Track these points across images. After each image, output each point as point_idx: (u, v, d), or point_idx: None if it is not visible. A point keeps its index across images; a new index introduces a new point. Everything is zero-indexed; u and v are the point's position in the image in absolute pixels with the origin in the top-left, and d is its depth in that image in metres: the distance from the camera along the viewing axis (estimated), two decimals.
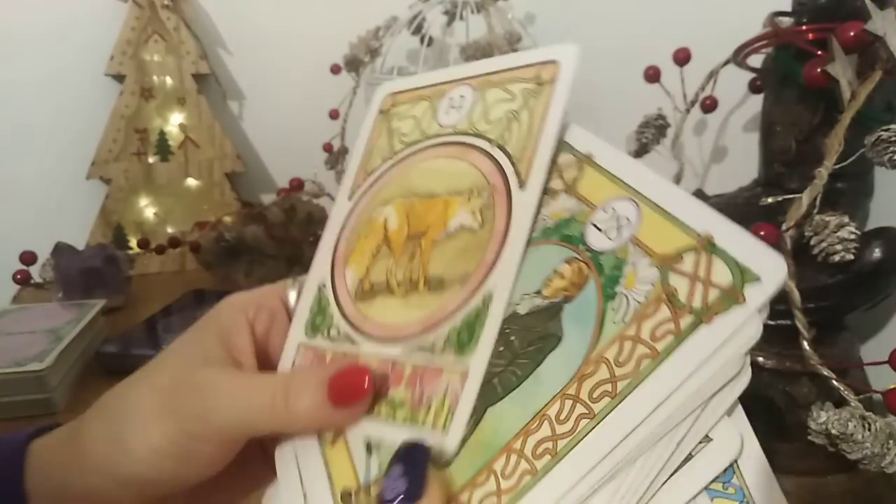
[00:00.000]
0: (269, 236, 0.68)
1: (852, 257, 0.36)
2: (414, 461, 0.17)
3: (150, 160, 0.78)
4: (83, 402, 0.47)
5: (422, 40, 0.74)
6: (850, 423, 0.30)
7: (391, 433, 0.19)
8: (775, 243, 0.36)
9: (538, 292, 0.19)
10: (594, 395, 0.16)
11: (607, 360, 0.16)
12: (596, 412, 0.15)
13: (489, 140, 0.22)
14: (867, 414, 0.31)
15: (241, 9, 0.82)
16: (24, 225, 0.79)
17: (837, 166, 0.35)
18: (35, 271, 0.66)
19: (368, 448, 0.19)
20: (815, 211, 0.36)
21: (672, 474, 0.15)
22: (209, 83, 0.81)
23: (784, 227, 0.36)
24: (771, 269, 0.15)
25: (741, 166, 0.51)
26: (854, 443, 0.30)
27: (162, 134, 0.79)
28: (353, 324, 0.22)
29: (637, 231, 0.17)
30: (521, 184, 0.20)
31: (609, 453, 0.15)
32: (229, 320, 0.23)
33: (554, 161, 0.21)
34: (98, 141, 0.76)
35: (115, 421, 0.21)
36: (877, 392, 0.32)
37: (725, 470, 0.16)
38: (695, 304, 0.15)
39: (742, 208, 0.44)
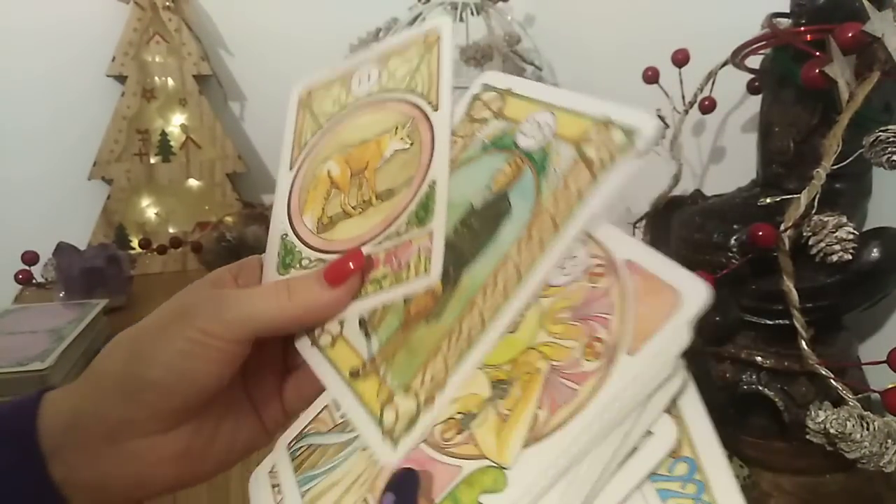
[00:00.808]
0: None
1: (850, 257, 0.36)
2: (405, 489, 0.18)
3: (152, 161, 0.79)
4: None
5: None
6: (848, 423, 0.30)
7: (383, 298, 0.24)
8: (773, 244, 0.36)
9: (488, 188, 0.24)
10: (543, 235, 0.22)
11: (548, 209, 0.22)
12: (545, 243, 0.21)
13: (400, 90, 0.28)
14: (865, 413, 0.31)
15: (243, 10, 0.82)
16: (26, 225, 0.80)
17: (835, 167, 0.35)
18: (37, 271, 0.66)
19: (365, 330, 0.24)
20: (814, 211, 0.36)
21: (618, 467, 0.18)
22: (210, 84, 0.82)
23: (782, 227, 0.36)
24: (648, 124, 0.21)
25: (739, 167, 0.51)
26: (852, 442, 0.30)
27: (163, 135, 0.79)
28: (321, 249, 0.26)
29: (555, 130, 0.23)
30: (435, 107, 0.26)
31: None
32: (217, 278, 0.26)
33: (479, 98, 0.26)
34: (100, 142, 0.76)
35: (133, 340, 0.23)
36: (875, 391, 0.33)
37: (678, 466, 0.18)
38: (603, 158, 0.21)
39: (740, 209, 0.44)
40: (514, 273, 0.21)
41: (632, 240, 0.21)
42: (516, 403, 0.19)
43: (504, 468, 0.18)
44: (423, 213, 0.25)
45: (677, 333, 0.18)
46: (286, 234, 0.28)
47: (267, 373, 0.27)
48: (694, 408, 0.18)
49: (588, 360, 0.18)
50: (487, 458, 0.19)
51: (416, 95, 0.27)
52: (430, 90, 0.27)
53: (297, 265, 0.27)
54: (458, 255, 0.23)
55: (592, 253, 0.21)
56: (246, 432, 0.25)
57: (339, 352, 0.24)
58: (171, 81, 0.78)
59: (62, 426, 0.22)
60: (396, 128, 0.27)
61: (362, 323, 0.24)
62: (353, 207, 0.27)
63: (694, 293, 0.18)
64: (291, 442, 0.24)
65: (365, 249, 0.25)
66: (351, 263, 0.24)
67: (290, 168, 0.30)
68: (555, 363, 0.19)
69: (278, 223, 0.29)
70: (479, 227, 0.23)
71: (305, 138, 0.30)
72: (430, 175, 0.25)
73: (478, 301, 0.22)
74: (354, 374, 0.23)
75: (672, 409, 0.18)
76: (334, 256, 0.25)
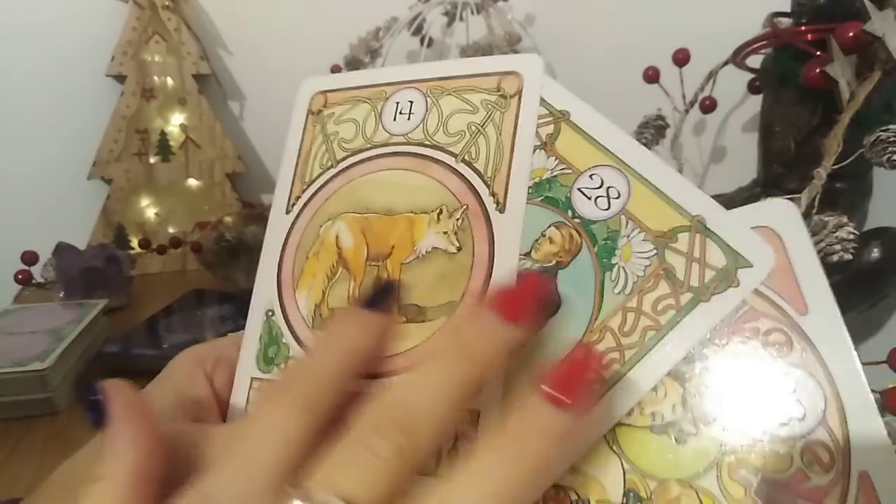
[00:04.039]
0: None
1: (851, 257, 0.36)
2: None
3: (152, 160, 0.79)
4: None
5: (422, 41, 0.74)
6: None
7: None
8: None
9: (528, 254, 0.18)
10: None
11: (612, 329, 0.17)
12: (606, 378, 0.16)
13: (453, 154, 0.20)
14: None
15: (242, 9, 0.82)
16: (26, 225, 0.79)
17: (836, 166, 0.35)
18: (36, 271, 0.66)
19: None
20: (814, 211, 0.36)
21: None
22: (210, 84, 0.82)
23: None
24: (762, 257, 0.17)
25: (740, 167, 0.51)
26: None
27: (163, 134, 0.79)
28: None
29: (628, 204, 0.18)
30: (500, 206, 0.19)
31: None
32: (185, 378, 0.22)
33: None
34: (99, 141, 0.76)
35: (68, 491, 0.19)
36: (875, 392, 0.32)
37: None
38: (692, 282, 0.17)
39: None
40: None
41: (889, 450, 0.16)
42: None
43: None
44: None
45: None
46: (272, 312, 0.21)
47: None
48: None
49: None
50: None
51: (474, 172, 0.20)
52: (495, 174, 0.19)
53: (283, 364, 0.21)
54: None
55: (828, 421, 0.16)
56: None
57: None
58: (170, 81, 0.78)
59: None
60: (440, 212, 0.20)
61: None
62: None
63: None
64: None
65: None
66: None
67: (287, 210, 0.22)
68: None
69: (265, 288, 0.22)
70: None
71: (312, 172, 0.23)
72: None
73: None
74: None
75: None
76: None
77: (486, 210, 0.19)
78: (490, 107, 0.20)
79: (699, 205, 0.17)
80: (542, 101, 0.20)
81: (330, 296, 0.21)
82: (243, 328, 0.23)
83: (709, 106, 0.52)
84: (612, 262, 0.17)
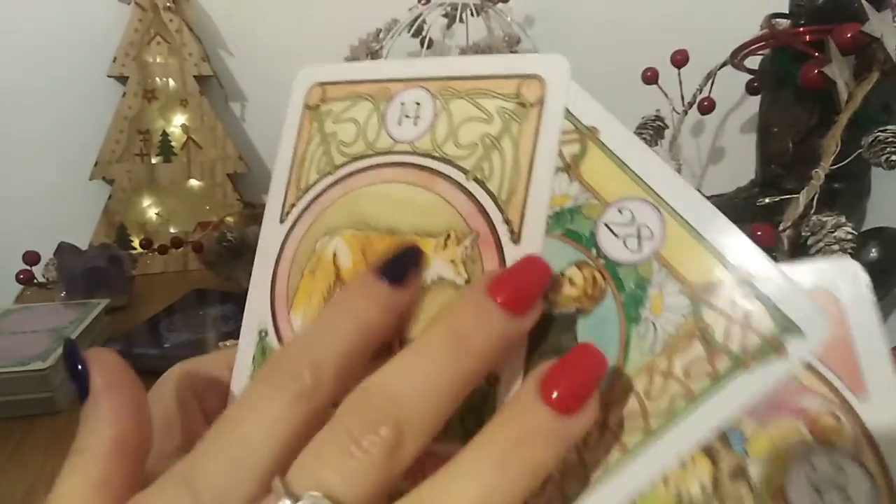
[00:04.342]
0: None
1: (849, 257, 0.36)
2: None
3: (153, 161, 0.79)
4: None
5: (422, 43, 0.75)
6: None
7: None
8: (772, 243, 0.36)
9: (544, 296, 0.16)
10: (625, 428, 0.15)
11: (637, 392, 0.15)
12: (629, 447, 0.15)
13: (463, 170, 0.18)
14: None
15: (243, 11, 0.83)
16: (28, 225, 0.80)
17: (834, 167, 0.35)
18: (38, 271, 0.66)
19: None
20: (812, 211, 0.36)
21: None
22: (211, 85, 0.82)
23: (781, 227, 0.36)
24: (816, 326, 0.14)
25: (738, 167, 0.51)
26: None
27: (165, 135, 0.79)
28: None
29: (661, 246, 0.15)
30: (515, 236, 0.17)
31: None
32: (174, 401, 0.20)
33: None
34: (101, 142, 0.77)
35: None
36: None
37: None
38: (732, 348, 0.14)
39: (739, 209, 0.44)
40: (579, 472, 0.15)
41: None
42: None
43: None
44: (471, 423, 0.16)
45: None
46: (265, 333, 0.20)
47: None
48: None
49: None
50: None
51: (486, 193, 0.17)
52: (510, 197, 0.17)
53: None
54: None
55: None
56: None
57: None
58: (172, 82, 0.79)
59: None
60: (448, 237, 0.18)
61: None
62: None
63: None
64: None
65: None
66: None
67: (282, 219, 0.20)
68: None
69: (258, 305, 0.20)
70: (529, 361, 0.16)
71: (309, 177, 0.20)
72: None
73: None
74: None
75: None
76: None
77: (499, 239, 0.17)
78: (507, 116, 0.18)
79: (745, 256, 0.15)
80: (568, 114, 0.17)
81: None
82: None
83: (707, 107, 0.52)
84: (641, 315, 0.15)
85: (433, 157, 0.19)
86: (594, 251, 0.16)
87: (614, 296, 0.15)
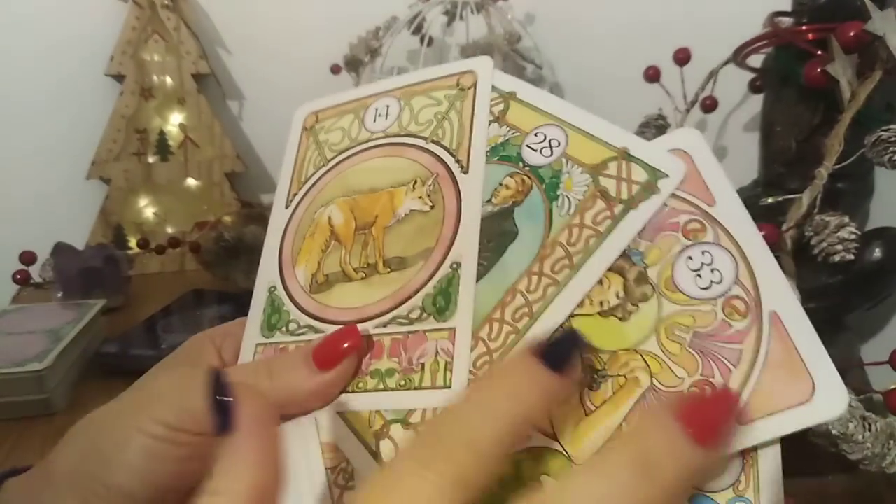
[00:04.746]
0: None
1: (852, 257, 0.36)
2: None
3: (150, 160, 0.78)
4: (82, 403, 0.47)
5: (422, 40, 0.74)
6: (850, 424, 0.30)
7: (385, 402, 0.20)
8: (775, 243, 0.36)
9: (489, 201, 0.22)
10: (555, 269, 0.20)
11: (561, 243, 0.20)
12: (559, 280, 0.20)
13: (423, 138, 0.25)
14: (867, 414, 0.31)
15: (241, 9, 0.82)
16: (24, 225, 0.79)
17: (837, 166, 0.35)
18: (35, 271, 0.66)
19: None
20: (816, 211, 0.36)
21: None
22: (209, 83, 0.81)
23: (784, 227, 0.36)
24: (675, 168, 0.20)
25: (741, 166, 0.50)
26: (854, 443, 0.30)
27: (162, 134, 0.79)
28: (313, 314, 0.23)
29: (566, 148, 0.22)
30: (464, 169, 0.23)
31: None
32: (196, 350, 0.23)
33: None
34: (98, 141, 0.76)
35: (92, 432, 0.20)
36: (877, 392, 0.32)
37: None
38: (622, 196, 0.20)
39: None
40: (526, 309, 0.20)
41: (789, 292, 0.19)
42: (604, 404, 0.18)
43: (574, 462, 0.18)
44: (442, 301, 0.21)
45: (791, 426, 0.17)
46: (274, 287, 0.24)
47: None
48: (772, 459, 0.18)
49: None
50: (560, 444, 0.18)
51: (442, 148, 0.24)
52: (459, 146, 0.24)
53: (284, 328, 0.23)
54: None
55: (741, 279, 0.19)
56: None
57: (356, 417, 0.21)
58: (169, 80, 0.78)
59: None
60: (415, 182, 0.24)
61: None
62: (354, 270, 0.23)
63: (829, 401, 0.17)
64: None
65: (365, 328, 0.21)
66: (346, 343, 0.20)
67: (287, 205, 0.26)
68: (658, 385, 0.18)
69: (267, 270, 0.25)
70: (481, 243, 0.21)
71: (307, 172, 0.26)
72: (454, 254, 0.22)
73: (482, 335, 0.20)
74: (378, 434, 0.20)
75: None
76: (328, 326, 0.22)
77: (453, 174, 0.23)
78: (452, 98, 0.25)
79: (623, 139, 0.21)
80: (494, 88, 0.24)
81: (324, 264, 0.24)
82: None
83: (710, 105, 0.52)
84: (558, 193, 0.21)
85: (401, 136, 0.25)
86: (521, 164, 0.23)
87: (538, 187, 0.22)
